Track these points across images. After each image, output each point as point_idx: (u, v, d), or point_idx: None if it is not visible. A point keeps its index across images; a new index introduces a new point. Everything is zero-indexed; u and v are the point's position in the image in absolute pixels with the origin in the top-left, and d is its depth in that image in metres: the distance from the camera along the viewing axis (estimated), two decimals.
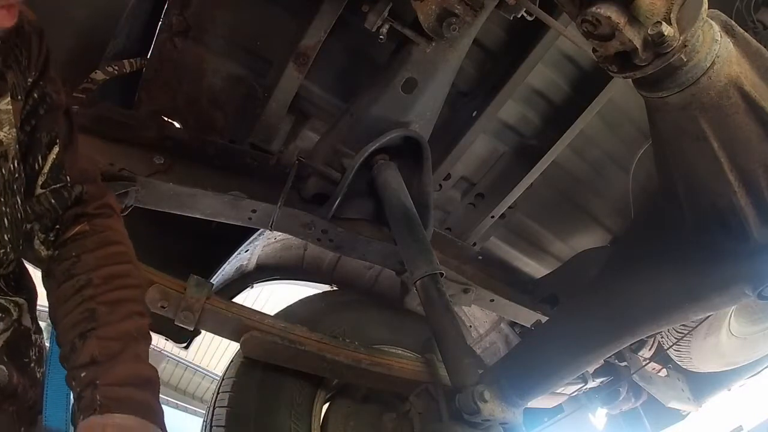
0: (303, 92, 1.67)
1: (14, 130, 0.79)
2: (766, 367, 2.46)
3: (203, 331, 1.66)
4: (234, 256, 1.93)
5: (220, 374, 1.80)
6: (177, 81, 1.60)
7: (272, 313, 1.83)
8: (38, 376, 0.87)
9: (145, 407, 0.74)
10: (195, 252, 1.85)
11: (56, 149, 0.87)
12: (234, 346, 1.66)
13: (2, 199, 0.78)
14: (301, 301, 2.07)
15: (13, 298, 0.84)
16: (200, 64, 1.60)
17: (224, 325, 1.56)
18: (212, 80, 1.63)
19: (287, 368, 1.64)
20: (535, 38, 1.65)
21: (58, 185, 0.87)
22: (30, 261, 0.92)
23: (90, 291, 0.82)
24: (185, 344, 2.02)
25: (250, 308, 1.65)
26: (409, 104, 1.53)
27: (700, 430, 3.05)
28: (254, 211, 1.53)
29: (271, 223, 1.55)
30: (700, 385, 2.46)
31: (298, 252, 2.26)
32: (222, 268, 1.94)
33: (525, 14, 1.38)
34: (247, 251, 2.01)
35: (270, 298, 6.21)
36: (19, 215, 0.81)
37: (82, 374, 0.75)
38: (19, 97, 0.80)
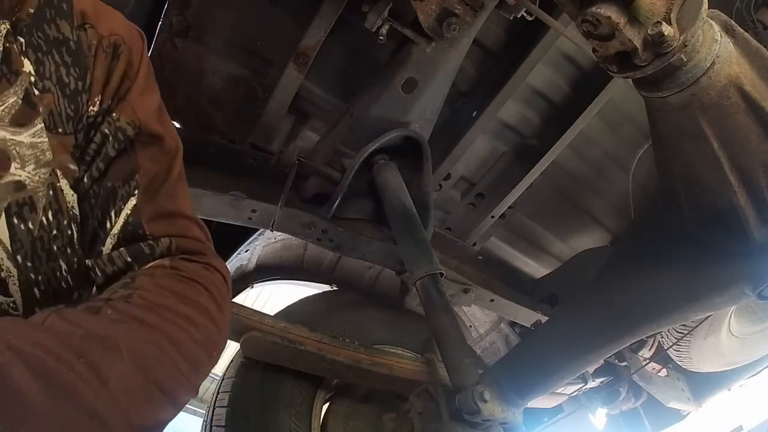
0: (303, 92, 1.67)
1: (43, 170, 0.60)
2: (766, 367, 2.46)
3: None
4: (234, 256, 1.93)
5: (220, 374, 1.80)
6: (177, 81, 1.60)
7: (272, 313, 1.83)
8: None
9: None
10: None
11: (132, 201, 0.67)
12: (234, 346, 1.66)
13: (29, 264, 0.58)
14: (301, 301, 2.07)
15: None
16: (200, 64, 1.60)
17: None
18: (212, 80, 1.63)
19: (287, 368, 1.64)
20: (535, 38, 1.65)
21: (134, 243, 0.66)
22: None
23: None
24: None
25: (250, 308, 1.65)
26: (409, 104, 1.53)
27: (700, 430, 3.05)
28: (254, 211, 1.53)
29: (272, 224, 1.55)
30: (700, 385, 2.46)
31: (298, 252, 2.26)
32: None
33: (525, 14, 1.37)
34: (247, 251, 2.01)
35: (270, 298, 6.21)
36: (63, 285, 0.62)
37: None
38: (61, 130, 0.62)
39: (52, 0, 0.64)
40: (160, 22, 1.52)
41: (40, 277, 0.60)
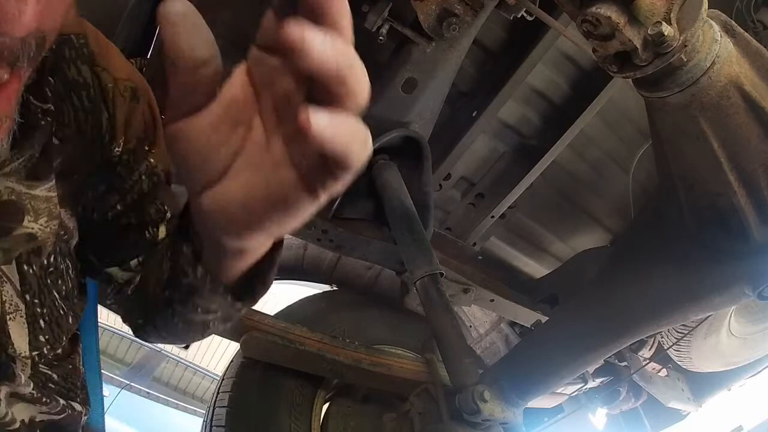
0: None
1: (54, 222, 0.63)
2: (766, 367, 2.47)
3: None
4: None
5: (220, 374, 1.80)
6: None
7: (272, 313, 1.83)
8: None
9: None
10: None
11: (163, 229, 0.75)
12: (234, 346, 1.66)
13: (36, 300, 0.65)
14: (301, 301, 2.08)
15: (75, 406, 0.73)
16: None
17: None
18: None
19: (287, 368, 1.65)
20: (535, 38, 1.64)
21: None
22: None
23: None
24: (185, 344, 2.01)
25: (250, 308, 1.65)
26: (409, 104, 1.53)
27: (700, 430, 3.05)
28: None
29: None
30: (700, 385, 2.46)
31: (298, 252, 2.26)
32: None
33: (525, 14, 1.37)
34: None
35: (270, 298, 6.21)
36: (61, 311, 0.69)
37: None
38: (75, 176, 0.66)
39: (71, 40, 0.64)
40: None
41: (45, 310, 0.66)
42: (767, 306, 2.06)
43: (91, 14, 1.41)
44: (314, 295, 2.18)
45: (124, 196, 0.73)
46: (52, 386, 0.71)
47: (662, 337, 2.12)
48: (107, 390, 5.58)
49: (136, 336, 0.82)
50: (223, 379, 1.74)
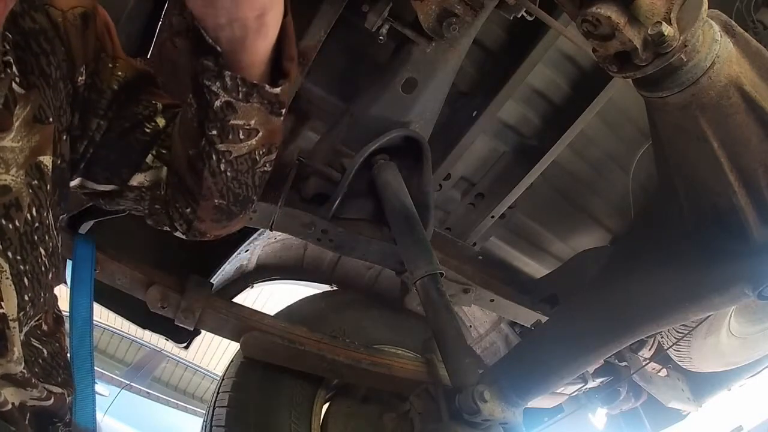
0: (303, 92, 1.67)
1: (23, 172, 0.64)
2: (766, 367, 2.46)
3: (203, 331, 1.66)
4: (234, 256, 1.93)
5: (220, 374, 1.80)
6: (177, 81, 1.60)
7: (272, 313, 1.83)
8: None
9: None
10: (194, 252, 1.85)
11: (160, 119, 0.80)
12: (234, 346, 1.66)
13: (19, 257, 0.64)
14: (301, 301, 2.07)
15: (53, 390, 0.73)
16: None
17: (224, 325, 1.56)
18: None
19: (287, 368, 1.64)
20: (535, 38, 1.64)
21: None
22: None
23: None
24: (185, 344, 2.02)
25: (250, 308, 1.65)
26: (409, 104, 1.53)
27: (700, 430, 3.05)
28: (254, 211, 1.53)
29: (271, 224, 1.55)
30: (700, 385, 2.46)
31: (298, 252, 2.26)
32: (222, 268, 1.94)
33: (525, 14, 1.37)
34: (247, 251, 2.01)
35: (270, 298, 6.21)
36: (42, 268, 0.68)
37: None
38: (51, 119, 0.68)
39: None
40: (160, 22, 1.52)
41: (27, 267, 0.65)
42: (767, 306, 2.06)
43: None
44: (314, 295, 2.17)
45: (105, 114, 0.76)
46: (41, 363, 0.73)
47: (662, 337, 2.11)
48: (107, 390, 5.58)
49: (194, 235, 0.84)
50: (223, 379, 1.74)
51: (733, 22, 0.78)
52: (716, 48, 0.74)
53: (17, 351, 0.64)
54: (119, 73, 0.77)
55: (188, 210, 0.80)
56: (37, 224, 0.67)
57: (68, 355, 0.81)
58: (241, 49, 0.63)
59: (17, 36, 0.65)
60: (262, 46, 0.64)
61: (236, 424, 1.61)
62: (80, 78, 0.72)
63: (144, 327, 1.92)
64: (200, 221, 0.81)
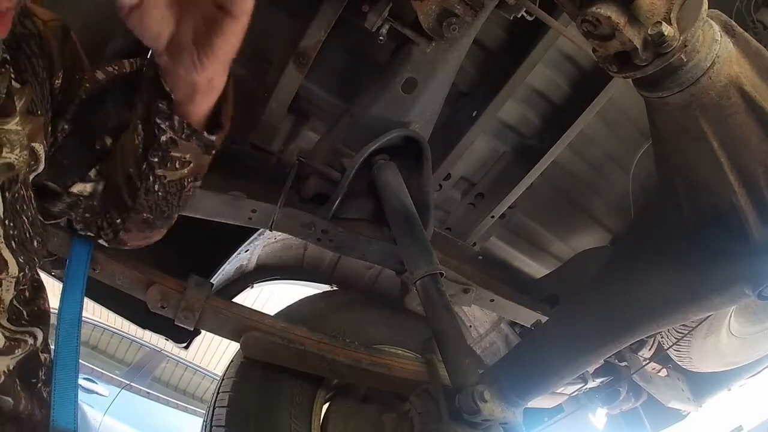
0: (303, 92, 1.67)
1: (25, 152, 0.77)
2: (766, 367, 2.46)
3: (203, 331, 1.65)
4: (234, 256, 1.93)
5: (220, 374, 1.80)
6: None
7: (272, 313, 1.83)
8: (45, 395, 0.86)
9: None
10: (194, 252, 1.85)
11: (108, 138, 0.93)
12: (234, 346, 1.66)
13: (10, 224, 0.76)
14: (301, 301, 2.07)
15: (30, 329, 0.84)
16: None
17: (224, 325, 1.56)
18: None
19: (287, 368, 1.64)
20: (535, 38, 1.64)
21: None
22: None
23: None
24: (185, 344, 2.02)
25: (250, 308, 1.65)
26: (409, 104, 1.53)
27: (700, 430, 3.05)
28: (254, 211, 1.53)
29: (271, 224, 1.55)
30: (700, 385, 2.46)
31: (298, 252, 2.26)
32: (222, 268, 1.94)
33: (525, 14, 1.37)
34: (247, 251, 2.01)
35: (270, 298, 6.21)
36: (27, 234, 0.80)
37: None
38: (39, 112, 0.79)
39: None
40: None
41: (15, 232, 0.78)
42: (767, 306, 2.06)
43: (91, 15, 1.41)
44: (314, 295, 2.17)
45: (72, 119, 0.88)
46: (24, 323, 0.83)
47: (662, 337, 2.11)
48: (107, 390, 5.57)
49: (117, 243, 0.98)
50: (223, 379, 1.74)
51: (733, 22, 0.78)
52: (716, 48, 0.74)
53: (6, 302, 0.76)
54: (87, 84, 0.89)
55: (119, 221, 0.94)
56: (17, 195, 0.78)
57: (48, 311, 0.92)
58: (191, 102, 0.79)
59: (10, 38, 0.74)
60: (206, 102, 0.80)
61: (236, 424, 1.61)
62: (57, 81, 0.84)
63: (144, 327, 1.92)
64: (126, 231, 0.96)
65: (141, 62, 1.57)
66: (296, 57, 1.51)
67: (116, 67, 1.49)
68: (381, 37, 1.38)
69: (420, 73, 1.47)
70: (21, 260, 0.78)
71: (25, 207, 0.80)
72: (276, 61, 1.60)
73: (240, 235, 1.84)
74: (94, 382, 5.43)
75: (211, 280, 1.65)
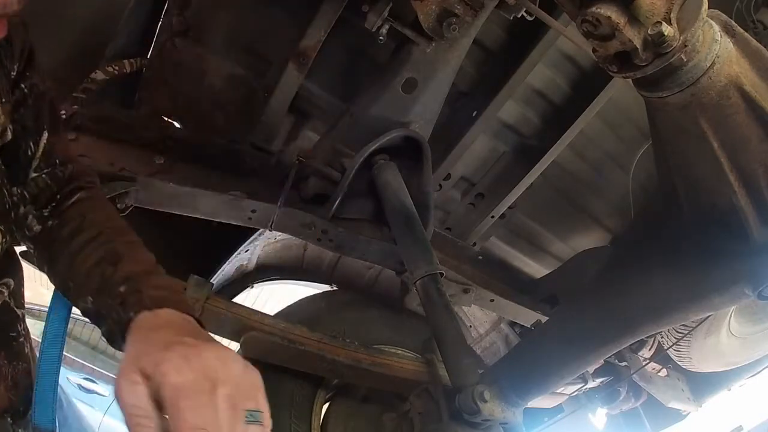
0: (303, 92, 1.67)
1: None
2: (766, 367, 2.47)
3: None
4: (234, 256, 1.93)
5: None
6: (177, 81, 1.60)
7: (272, 313, 1.83)
8: (26, 351, 0.89)
9: (187, 306, 0.79)
10: (195, 252, 1.85)
11: (45, 134, 0.90)
12: (234, 346, 1.66)
13: None
14: (301, 301, 2.07)
15: (3, 280, 0.89)
16: (200, 64, 1.60)
17: (224, 325, 1.56)
18: (212, 80, 1.63)
19: (287, 368, 1.64)
20: (535, 38, 1.64)
21: (51, 168, 0.91)
22: (20, 241, 0.93)
23: (105, 238, 0.83)
24: None
25: (250, 308, 1.65)
26: (409, 104, 1.53)
27: (700, 430, 3.05)
28: (254, 211, 1.53)
29: (271, 224, 1.55)
30: (700, 385, 2.46)
31: (298, 252, 2.26)
32: (222, 268, 1.94)
33: (525, 14, 1.37)
34: (247, 251, 2.01)
35: (270, 298, 6.21)
36: (6, 206, 0.83)
37: (122, 288, 0.76)
38: (3, 100, 0.81)
39: None
40: (160, 22, 1.52)
41: None
42: (767, 306, 2.06)
43: (92, 14, 1.41)
44: (314, 295, 2.17)
45: (17, 120, 0.87)
46: None
47: (662, 337, 2.12)
48: (107, 390, 5.57)
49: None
50: None
51: (733, 22, 0.77)
52: (716, 48, 0.74)
53: None
54: (40, 87, 0.89)
55: (45, 268, 0.91)
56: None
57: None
58: None
59: None
60: None
61: None
62: (13, 73, 0.85)
63: None
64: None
65: (141, 62, 1.57)
66: (296, 57, 1.51)
67: (116, 68, 1.49)
68: (381, 37, 1.38)
69: (420, 73, 1.48)
70: (2, 228, 0.81)
71: (12, 178, 0.84)
72: (276, 61, 1.60)
73: (240, 235, 1.84)
74: (94, 382, 5.42)
75: (211, 280, 1.65)
